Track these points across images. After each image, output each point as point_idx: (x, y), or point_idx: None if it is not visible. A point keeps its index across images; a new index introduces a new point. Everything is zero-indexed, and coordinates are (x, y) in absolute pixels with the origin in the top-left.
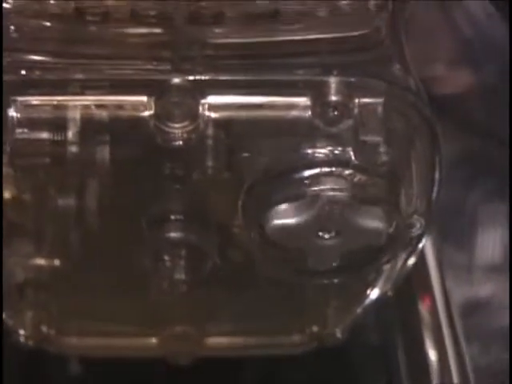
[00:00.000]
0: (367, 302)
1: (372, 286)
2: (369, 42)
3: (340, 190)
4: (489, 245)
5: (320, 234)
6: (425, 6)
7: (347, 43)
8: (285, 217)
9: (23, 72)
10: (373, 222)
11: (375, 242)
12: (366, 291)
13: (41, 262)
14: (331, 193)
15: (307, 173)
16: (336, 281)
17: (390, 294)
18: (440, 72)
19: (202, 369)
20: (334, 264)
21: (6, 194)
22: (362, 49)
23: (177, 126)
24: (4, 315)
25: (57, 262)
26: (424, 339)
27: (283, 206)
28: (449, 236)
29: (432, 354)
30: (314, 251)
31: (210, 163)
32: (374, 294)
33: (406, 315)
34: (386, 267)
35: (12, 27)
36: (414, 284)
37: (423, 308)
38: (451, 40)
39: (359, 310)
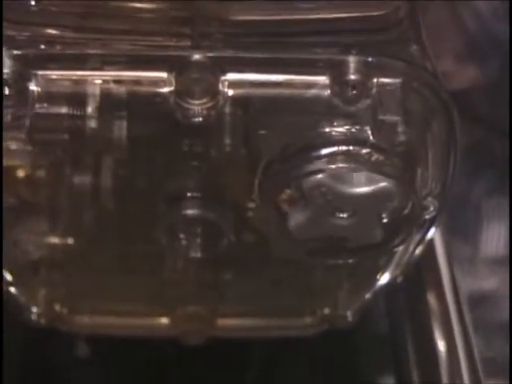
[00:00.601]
0: (378, 286)
1: (383, 270)
2: (388, 23)
3: (358, 169)
4: (493, 238)
5: (336, 213)
6: (432, 2)
7: (366, 23)
8: (302, 195)
9: (43, 46)
10: (388, 203)
11: (389, 223)
12: (376, 275)
13: (55, 240)
14: (348, 171)
15: (325, 151)
16: (349, 261)
17: (399, 279)
18: (446, 67)
19: (213, 349)
20: (347, 244)
21: (21, 172)
22: (381, 29)
23: (196, 102)
24: (17, 292)
25: (71, 241)
26: (433, 328)
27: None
28: (453, 229)
29: (440, 343)
30: (329, 231)
31: (227, 140)
32: (384, 278)
33: (415, 304)
34: (398, 251)
35: (32, 1)
36: (423, 274)
37: (432, 297)
38: (457, 36)
39: (370, 294)
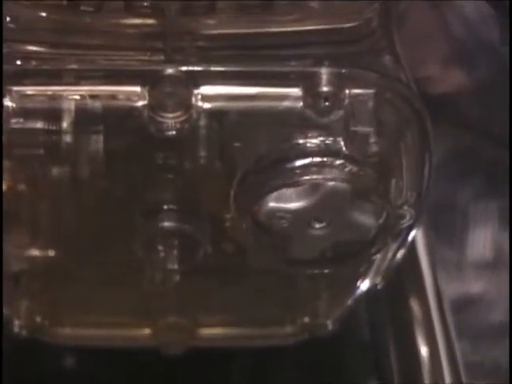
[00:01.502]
0: (358, 293)
1: (362, 277)
2: (360, 34)
3: (331, 179)
4: (479, 242)
5: (311, 223)
6: (418, 6)
7: (338, 34)
8: (276, 205)
9: (18, 62)
10: (363, 213)
11: (365, 233)
12: (356, 282)
13: (35, 252)
14: (322, 183)
15: (299, 162)
16: (326, 271)
17: (380, 285)
18: (433, 72)
19: (194, 358)
20: (325, 254)
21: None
22: (353, 40)
23: (170, 115)
24: None
25: (51, 253)
26: (415, 333)
27: (275, 195)
28: (439, 233)
29: (423, 350)
30: (304, 240)
31: (202, 153)
32: (364, 285)
33: (397, 310)
34: (377, 258)
35: (8, 18)
36: (405, 279)
37: (414, 303)
38: (444, 40)
39: (350, 302)
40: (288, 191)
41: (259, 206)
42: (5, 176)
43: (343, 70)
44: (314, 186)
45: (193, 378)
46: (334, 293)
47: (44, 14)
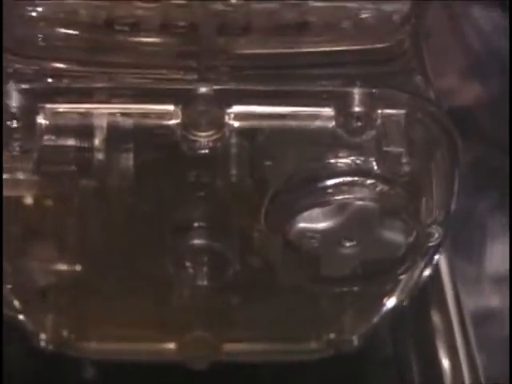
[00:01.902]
0: (384, 310)
1: (389, 295)
2: (392, 54)
3: (362, 199)
4: (497, 255)
5: (341, 242)
6: (434, 20)
7: (371, 55)
8: (307, 225)
9: (51, 80)
10: (393, 232)
11: (394, 252)
12: (382, 300)
13: (63, 267)
14: (353, 202)
15: (330, 182)
16: (354, 289)
17: (405, 303)
18: (450, 84)
19: (218, 374)
20: (354, 272)
21: (29, 200)
22: (385, 60)
23: (202, 134)
24: (25, 319)
25: (78, 267)
26: (437, 347)
27: (306, 214)
28: (457, 247)
29: (445, 362)
30: (334, 258)
31: (233, 171)
32: (390, 303)
33: (419, 324)
34: (404, 277)
35: (40, 36)
36: (427, 293)
37: (436, 316)
38: (461, 53)
39: (376, 319)
40: (318, 211)
41: (290, 226)
42: (33, 191)
43: (375, 90)
44: (345, 205)
45: None
46: (360, 309)
47: (77, 33)
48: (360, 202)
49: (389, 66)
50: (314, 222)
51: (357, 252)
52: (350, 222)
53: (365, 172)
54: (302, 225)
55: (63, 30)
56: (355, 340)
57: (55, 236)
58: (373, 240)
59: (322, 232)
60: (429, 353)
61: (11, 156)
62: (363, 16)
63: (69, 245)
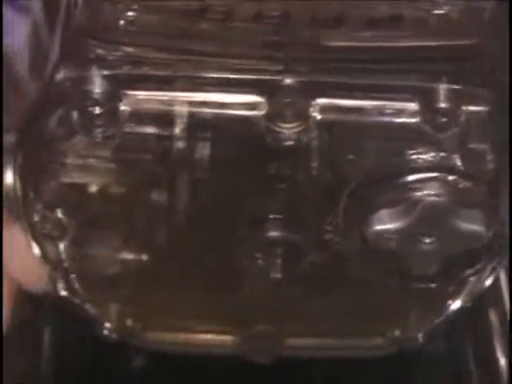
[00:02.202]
0: (448, 312)
1: (455, 296)
2: (478, 51)
3: (443, 195)
4: None
5: (421, 238)
6: None
7: (457, 51)
8: (387, 221)
9: (132, 66)
10: (474, 225)
11: (474, 247)
12: (448, 301)
13: (129, 256)
14: (434, 198)
15: (411, 177)
16: (431, 285)
17: (468, 304)
18: None
19: (279, 367)
20: (433, 268)
21: (98, 186)
22: (471, 57)
23: (287, 126)
24: (89, 307)
25: (145, 257)
26: (495, 345)
27: (385, 210)
28: None
29: (502, 360)
30: (414, 255)
31: (314, 164)
32: (455, 304)
33: (476, 322)
34: (472, 279)
35: (122, 21)
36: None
37: (493, 315)
38: None
39: (440, 320)
40: (397, 207)
41: (367, 224)
42: (108, 178)
43: (460, 87)
44: (426, 202)
45: None
46: (426, 309)
47: (164, 19)
48: (441, 198)
49: (474, 63)
50: (392, 219)
51: (436, 248)
52: (430, 218)
53: (448, 168)
54: (378, 228)
55: (150, 16)
56: (420, 338)
57: (123, 224)
58: (453, 235)
59: (401, 229)
60: (486, 351)
61: (91, 142)
62: (452, 12)
63: (137, 234)
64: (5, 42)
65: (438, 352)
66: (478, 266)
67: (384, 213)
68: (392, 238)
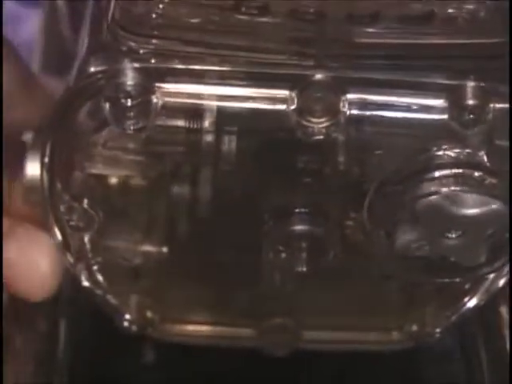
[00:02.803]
0: (464, 309)
1: (472, 294)
2: (505, 49)
3: (470, 191)
4: None
5: (445, 233)
6: None
7: (485, 49)
8: (410, 231)
9: (163, 59)
10: (495, 226)
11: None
12: (465, 298)
13: (150, 248)
14: (460, 193)
15: (438, 173)
16: (454, 280)
17: (483, 302)
18: None
19: (297, 360)
20: (457, 263)
21: (120, 178)
22: (497, 55)
23: (317, 120)
24: (110, 298)
25: (165, 249)
26: (505, 339)
27: (406, 222)
28: None
29: None
30: (439, 251)
31: (343, 159)
32: (471, 303)
33: (487, 315)
34: (490, 277)
35: (154, 14)
36: None
37: (503, 309)
38: None
39: (456, 316)
40: (421, 203)
41: (393, 223)
42: (134, 170)
43: (488, 84)
44: (451, 197)
45: (293, 380)
46: (443, 305)
47: (197, 13)
48: (467, 195)
49: (501, 61)
50: (414, 227)
51: (460, 243)
52: (456, 214)
53: (474, 164)
54: (404, 238)
55: (182, 9)
56: (438, 332)
57: (146, 216)
58: (477, 232)
59: (426, 234)
60: (496, 342)
61: (120, 134)
62: (480, 10)
63: (159, 226)
64: (13, 35)
65: (449, 345)
66: (496, 265)
67: (405, 224)
68: (420, 246)
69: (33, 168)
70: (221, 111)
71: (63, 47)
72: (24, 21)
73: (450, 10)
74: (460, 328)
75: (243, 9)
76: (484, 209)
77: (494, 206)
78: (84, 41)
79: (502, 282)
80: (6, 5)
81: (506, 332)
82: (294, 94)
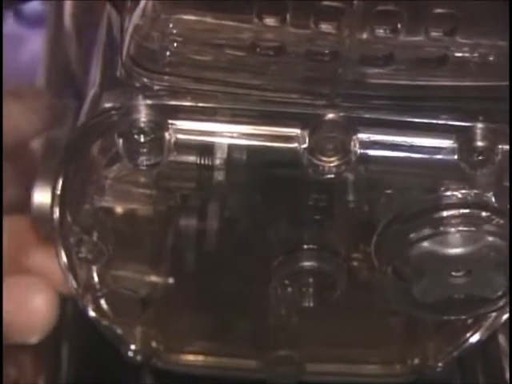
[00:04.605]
0: (467, 344)
1: (475, 330)
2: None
3: (476, 232)
4: None
5: (452, 273)
6: None
7: (494, 91)
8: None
9: (176, 96)
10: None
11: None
12: (467, 334)
13: (156, 279)
14: (468, 234)
15: (446, 213)
16: (459, 317)
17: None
18: None
19: None
20: (457, 301)
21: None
22: (506, 97)
23: (328, 159)
24: (115, 328)
25: (171, 280)
26: (504, 368)
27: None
28: None
29: None
30: (443, 289)
31: (352, 197)
32: (474, 338)
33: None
34: (494, 315)
35: (168, 51)
36: None
37: (502, 338)
38: None
39: (458, 352)
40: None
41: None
42: (144, 203)
43: (496, 126)
44: (460, 238)
45: None
46: (445, 339)
47: (212, 52)
48: (475, 235)
49: (508, 104)
50: (426, 261)
51: (465, 283)
52: (463, 253)
53: (482, 205)
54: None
55: (197, 48)
56: (440, 366)
57: (154, 248)
58: (483, 272)
59: (433, 264)
60: (495, 372)
61: (132, 169)
62: (490, 54)
63: (166, 258)
64: (15, 55)
65: (449, 375)
66: (500, 303)
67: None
68: (424, 272)
69: (41, 197)
70: (232, 148)
71: (68, 66)
72: (26, 42)
73: (463, 54)
74: (459, 358)
75: (258, 49)
76: (480, 244)
77: (489, 239)
78: (96, 74)
79: (504, 318)
80: (8, 25)
81: (506, 363)
82: (305, 133)
